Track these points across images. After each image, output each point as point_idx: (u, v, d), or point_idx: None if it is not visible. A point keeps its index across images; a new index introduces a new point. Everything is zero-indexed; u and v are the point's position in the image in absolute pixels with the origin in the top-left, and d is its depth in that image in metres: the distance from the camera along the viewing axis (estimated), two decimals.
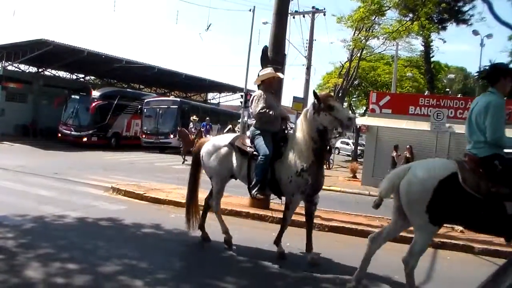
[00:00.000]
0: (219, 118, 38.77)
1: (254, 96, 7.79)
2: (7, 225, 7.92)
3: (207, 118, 28.85)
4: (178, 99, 36.34)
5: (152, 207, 10.72)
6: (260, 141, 7.33)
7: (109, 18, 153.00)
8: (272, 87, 8.05)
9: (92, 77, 49.19)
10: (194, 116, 27.42)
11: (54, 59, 37.12)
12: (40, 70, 43.20)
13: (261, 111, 7.42)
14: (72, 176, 14.87)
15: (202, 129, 25.09)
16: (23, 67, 41.42)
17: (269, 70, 8.17)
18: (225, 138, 8.01)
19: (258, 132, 7.47)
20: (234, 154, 7.63)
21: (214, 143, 7.98)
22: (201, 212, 8.18)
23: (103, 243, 7.14)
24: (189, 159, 20.89)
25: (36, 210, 9.14)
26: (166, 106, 33.37)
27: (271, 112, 7.43)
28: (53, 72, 44.92)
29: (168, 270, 6.25)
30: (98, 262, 6.25)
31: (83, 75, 47.96)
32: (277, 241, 7.49)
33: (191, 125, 26.49)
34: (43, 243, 6.95)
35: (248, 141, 7.60)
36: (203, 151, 8.01)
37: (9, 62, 37.61)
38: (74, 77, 47.31)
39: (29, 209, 9.16)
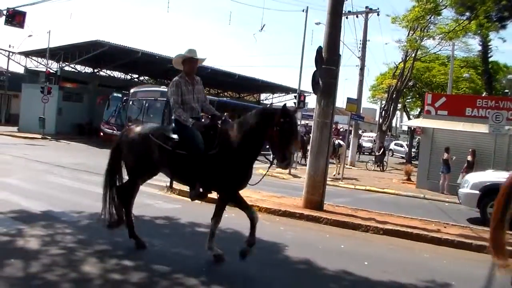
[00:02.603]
0: (237, 114, 31.77)
1: None
2: (64, 221, 8.10)
3: (225, 113, 24.45)
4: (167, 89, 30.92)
5: (206, 206, 10.70)
6: None
7: (163, 19, 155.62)
8: None
9: (146, 77, 49.97)
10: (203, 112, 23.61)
11: (109, 59, 37.91)
12: (95, 70, 44.25)
13: None
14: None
15: None
16: (79, 67, 42.51)
17: None
18: None
19: None
20: None
21: None
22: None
23: (158, 241, 7.18)
24: None
25: (92, 207, 9.24)
26: (153, 98, 27.79)
27: None
28: (108, 72, 45.93)
29: (223, 269, 6.24)
30: (153, 260, 6.28)
31: (137, 76, 48.82)
32: None
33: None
34: (99, 240, 7.06)
35: None
36: None
37: (66, 63, 38.62)
38: (129, 77, 48.20)
39: (86, 206, 9.33)
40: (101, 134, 30.77)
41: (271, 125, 6.00)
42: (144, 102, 27.64)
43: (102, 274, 5.57)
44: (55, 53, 36.94)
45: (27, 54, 40.82)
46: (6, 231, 7.08)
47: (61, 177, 13.54)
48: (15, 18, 22.77)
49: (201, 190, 6.57)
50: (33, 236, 6.94)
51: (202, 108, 7.16)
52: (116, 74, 47.40)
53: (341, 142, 23.67)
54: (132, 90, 29.49)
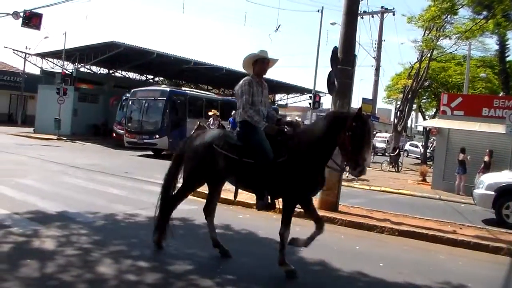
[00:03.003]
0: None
1: None
2: (80, 222, 8.13)
3: (234, 112, 23.68)
4: (168, 89, 28.02)
5: (221, 207, 10.68)
6: None
7: (178, 20, 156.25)
8: None
9: (161, 78, 50.22)
10: (214, 110, 22.03)
11: (124, 60, 38.14)
12: (111, 71, 44.53)
13: None
14: (141, 176, 15.12)
15: (227, 126, 20.57)
16: (94, 68, 42.79)
17: None
18: None
19: None
20: None
21: None
22: None
23: (173, 242, 7.15)
24: None
25: (107, 208, 9.34)
26: (153, 98, 26.54)
27: None
28: (123, 73, 46.15)
29: (238, 270, 6.22)
30: (168, 261, 6.30)
31: (152, 76, 49.04)
32: None
33: (210, 121, 21.27)
34: (114, 241, 7.09)
35: None
36: None
37: (82, 64, 38.88)
38: (144, 78, 48.42)
39: (100, 207, 9.38)
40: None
41: (343, 129, 5.64)
42: (144, 102, 26.67)
43: (117, 275, 5.58)
44: (71, 54, 37.24)
45: (43, 55, 41.19)
46: (23, 231, 7.13)
47: (76, 178, 13.61)
48: (32, 20, 23.04)
49: (269, 200, 6.21)
50: (48, 236, 6.99)
51: (267, 113, 6.64)
52: (131, 75, 47.66)
53: None
54: (132, 90, 28.56)
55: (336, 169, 6.31)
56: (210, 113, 21.46)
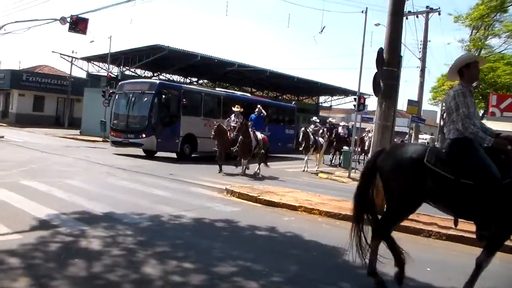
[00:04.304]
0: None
1: None
2: (126, 222, 8.19)
3: (259, 106, 21.50)
4: (157, 81, 25.12)
5: (266, 209, 10.68)
6: None
7: (222, 23, 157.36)
8: None
9: (205, 81, 50.59)
10: (238, 106, 19.72)
11: (168, 63, 38.53)
12: (155, 74, 45.06)
13: None
14: (186, 178, 15.20)
15: (249, 123, 18.76)
16: (139, 71, 43.39)
17: None
18: None
19: None
20: None
21: None
22: None
23: (218, 244, 7.17)
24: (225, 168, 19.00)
25: (152, 209, 9.40)
26: (140, 92, 23.33)
27: None
28: (168, 76, 46.63)
29: (283, 273, 6.13)
30: (213, 263, 6.26)
31: (196, 79, 49.43)
32: None
33: (232, 118, 19.19)
34: (159, 242, 7.10)
35: None
36: None
37: (127, 67, 39.47)
38: (188, 80, 48.86)
39: (146, 208, 9.45)
40: None
41: None
42: (131, 96, 23.67)
43: (162, 276, 5.59)
44: (116, 58, 37.88)
45: (89, 59, 42.07)
46: (70, 231, 7.24)
47: (122, 180, 13.77)
48: (78, 25, 23.51)
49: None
50: (95, 237, 7.07)
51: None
52: (176, 77, 48.16)
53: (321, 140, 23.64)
54: (120, 83, 26.09)
55: None
56: (234, 109, 19.43)
